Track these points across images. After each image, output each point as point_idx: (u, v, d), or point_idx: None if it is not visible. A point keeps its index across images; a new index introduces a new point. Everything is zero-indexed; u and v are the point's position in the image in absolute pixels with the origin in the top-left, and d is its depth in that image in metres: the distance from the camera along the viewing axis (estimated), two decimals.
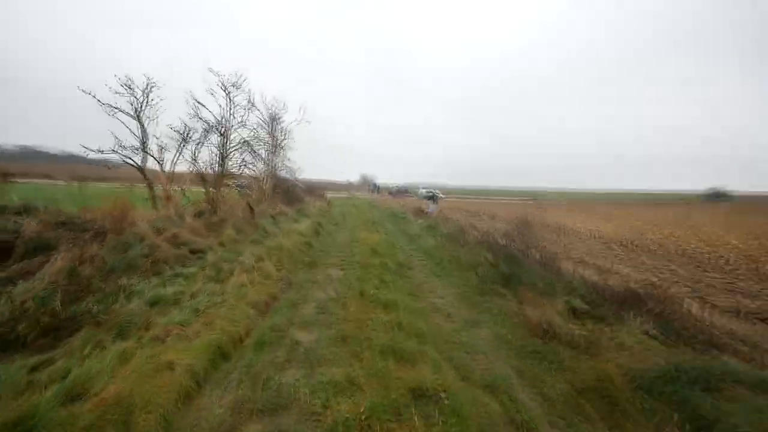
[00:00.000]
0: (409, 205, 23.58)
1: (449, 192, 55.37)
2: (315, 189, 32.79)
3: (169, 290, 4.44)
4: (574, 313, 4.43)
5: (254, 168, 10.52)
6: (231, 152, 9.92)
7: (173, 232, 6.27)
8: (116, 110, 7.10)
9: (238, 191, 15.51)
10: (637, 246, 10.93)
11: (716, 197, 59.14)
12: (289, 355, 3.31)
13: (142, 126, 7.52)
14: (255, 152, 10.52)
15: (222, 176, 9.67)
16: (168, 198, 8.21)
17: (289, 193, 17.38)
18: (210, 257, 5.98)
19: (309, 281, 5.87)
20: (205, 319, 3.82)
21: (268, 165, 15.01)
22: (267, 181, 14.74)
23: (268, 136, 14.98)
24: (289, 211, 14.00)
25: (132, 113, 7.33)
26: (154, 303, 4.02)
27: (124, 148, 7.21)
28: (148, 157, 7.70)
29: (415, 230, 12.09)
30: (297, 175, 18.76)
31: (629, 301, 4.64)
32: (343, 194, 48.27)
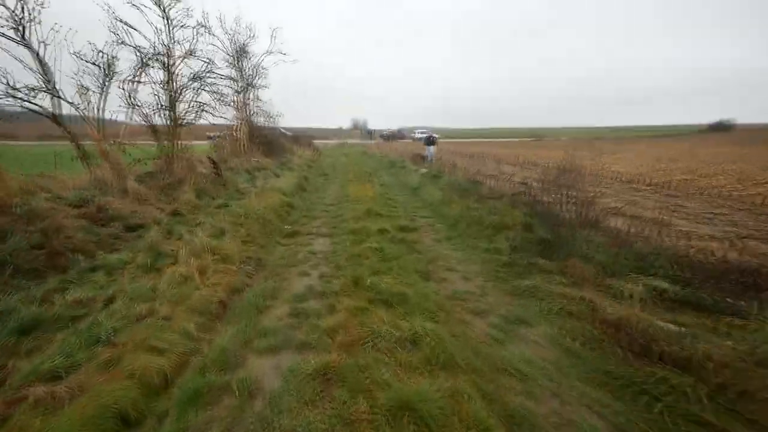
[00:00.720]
0: (406, 151, 21.67)
1: (447, 135, 52.35)
2: (302, 138, 30.37)
3: (68, 299, 2.98)
4: (661, 299, 3.09)
5: (217, 113, 8.51)
6: (181, 92, 7.87)
7: (99, 204, 4.67)
8: None
9: (213, 144, 13.55)
10: (669, 188, 9.53)
11: (719, 128, 58.68)
12: (233, 425, 1.96)
13: (37, 55, 5.45)
14: (215, 92, 8.42)
15: (175, 124, 7.75)
16: (104, 156, 6.43)
17: (270, 143, 15.35)
18: (151, 236, 4.46)
19: (285, 262, 4.44)
20: (109, 354, 2.41)
21: (240, 110, 12.83)
22: (240, 129, 12.68)
23: (233, 70, 12.60)
24: (271, 165, 12.21)
25: (15, 36, 5.21)
26: (29, 329, 2.59)
27: (15, 88, 5.22)
28: (62, 102, 5.77)
29: (416, 181, 10.50)
30: (278, 122, 16.49)
31: (733, 279, 3.29)
32: (333, 141, 45.52)
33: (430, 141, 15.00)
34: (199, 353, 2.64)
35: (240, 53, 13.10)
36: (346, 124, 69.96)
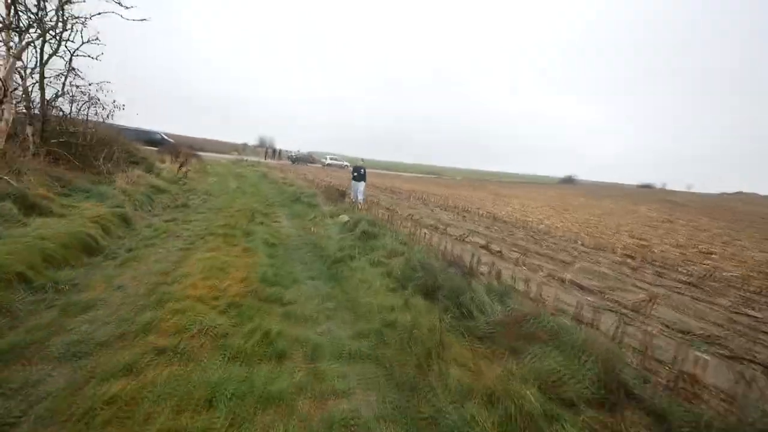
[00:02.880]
0: (317, 179, 17.28)
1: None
2: (182, 146, 23.61)
3: None
4: None
5: None
6: None
7: None
8: None
9: None
10: (630, 257, 7.31)
11: (568, 182, 73.47)
12: None
13: None
14: None
15: None
16: None
17: (92, 146, 9.22)
18: None
19: None
20: None
21: (7, 79, 6.80)
22: (4, 114, 6.63)
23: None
24: (48, 191, 6.38)
25: None
26: None
27: None
28: None
29: (335, 241, 6.22)
30: (112, 114, 10.26)
31: None
32: (231, 156, 38.28)
33: (359, 174, 10.38)
34: None
35: None
36: (252, 141, 61.72)
